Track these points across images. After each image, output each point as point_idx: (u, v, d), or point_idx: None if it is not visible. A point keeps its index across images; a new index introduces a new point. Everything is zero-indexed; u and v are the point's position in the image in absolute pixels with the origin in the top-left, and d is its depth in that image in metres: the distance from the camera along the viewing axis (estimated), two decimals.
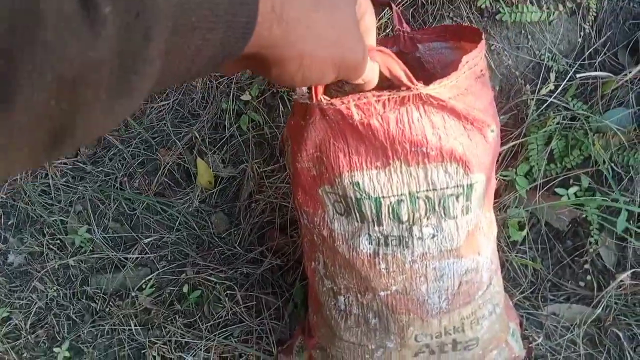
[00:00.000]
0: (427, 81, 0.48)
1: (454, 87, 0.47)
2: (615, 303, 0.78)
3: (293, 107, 0.58)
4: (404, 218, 0.53)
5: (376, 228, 0.55)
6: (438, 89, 0.47)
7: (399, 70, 0.44)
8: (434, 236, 0.54)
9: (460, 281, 0.57)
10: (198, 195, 1.08)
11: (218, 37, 0.26)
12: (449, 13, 0.96)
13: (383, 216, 0.54)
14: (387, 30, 0.97)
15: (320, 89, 0.47)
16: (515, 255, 0.85)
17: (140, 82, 0.22)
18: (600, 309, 0.77)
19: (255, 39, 0.29)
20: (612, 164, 0.84)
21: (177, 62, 0.25)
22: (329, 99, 0.48)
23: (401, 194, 0.52)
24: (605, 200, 0.82)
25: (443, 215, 0.53)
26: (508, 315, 0.72)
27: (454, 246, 0.54)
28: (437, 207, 0.52)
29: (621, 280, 0.77)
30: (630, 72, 0.87)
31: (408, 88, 0.46)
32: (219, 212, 1.07)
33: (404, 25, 0.68)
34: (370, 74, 0.42)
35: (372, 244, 0.56)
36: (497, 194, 0.91)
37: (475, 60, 0.49)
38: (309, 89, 0.48)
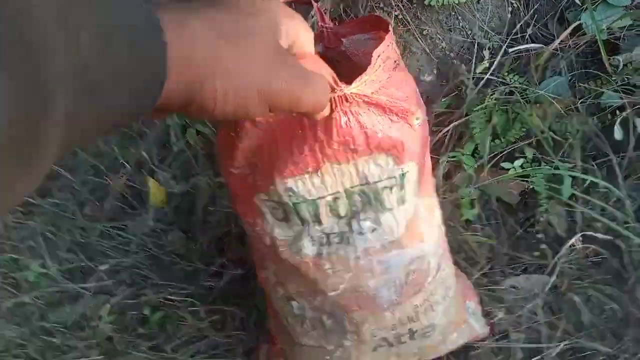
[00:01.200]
0: (356, 72, 0.48)
1: (374, 82, 0.47)
2: (570, 268, 0.80)
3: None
4: (343, 213, 0.53)
5: (317, 227, 0.54)
6: (360, 86, 0.46)
7: (328, 74, 0.43)
8: (374, 230, 0.54)
9: (407, 271, 0.56)
10: (152, 215, 1.06)
11: (126, 95, 0.25)
12: (379, 3, 0.96)
13: (322, 215, 0.53)
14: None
15: None
16: (471, 234, 0.85)
17: (41, 150, 0.21)
18: (555, 275, 0.79)
19: (167, 89, 0.28)
20: (552, 133, 0.85)
21: (85, 123, 0.24)
22: None
23: (337, 192, 0.52)
24: (550, 169, 0.84)
25: (380, 208, 0.53)
26: (466, 294, 0.72)
27: (395, 237, 0.54)
28: (373, 201, 0.52)
29: (572, 245, 0.78)
30: (558, 40, 0.88)
31: (333, 90, 0.46)
32: (175, 230, 1.05)
33: (327, 21, 0.68)
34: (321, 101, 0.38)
35: (315, 245, 0.55)
36: (448, 176, 0.92)
37: (386, 52, 0.48)
38: None
